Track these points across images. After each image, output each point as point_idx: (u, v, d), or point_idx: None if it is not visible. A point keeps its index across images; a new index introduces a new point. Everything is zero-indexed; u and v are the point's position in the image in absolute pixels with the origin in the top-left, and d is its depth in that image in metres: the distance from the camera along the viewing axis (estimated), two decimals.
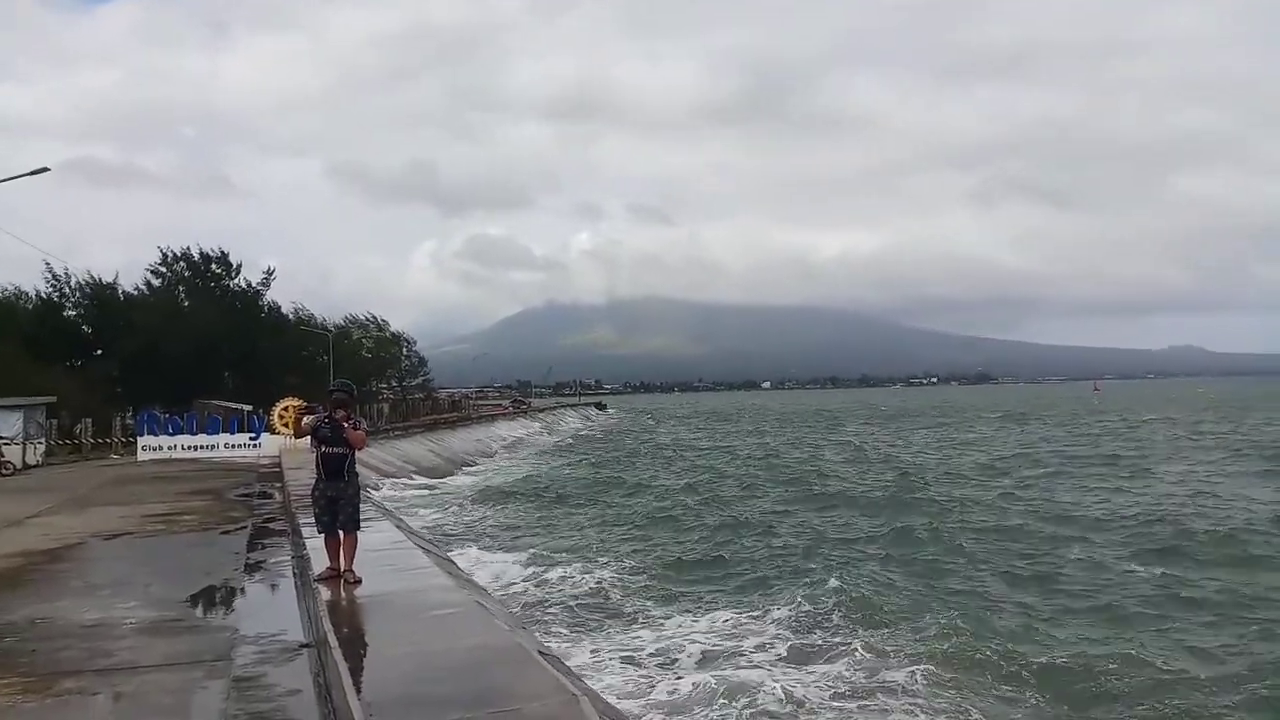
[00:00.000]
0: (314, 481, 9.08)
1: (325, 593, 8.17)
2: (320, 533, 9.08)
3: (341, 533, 8.90)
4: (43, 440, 32.56)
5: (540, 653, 6.16)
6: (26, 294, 51.46)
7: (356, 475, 9.18)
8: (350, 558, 8.87)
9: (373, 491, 23.96)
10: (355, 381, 8.80)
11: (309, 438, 9.05)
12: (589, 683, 8.90)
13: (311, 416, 9.15)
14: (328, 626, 6.76)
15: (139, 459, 32.58)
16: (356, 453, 9.08)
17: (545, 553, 21.15)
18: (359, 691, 4.99)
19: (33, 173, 25.10)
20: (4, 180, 25.27)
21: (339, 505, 8.87)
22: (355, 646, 6.42)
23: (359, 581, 8.73)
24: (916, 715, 10.77)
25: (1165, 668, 12.36)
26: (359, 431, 9.03)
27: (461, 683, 5.30)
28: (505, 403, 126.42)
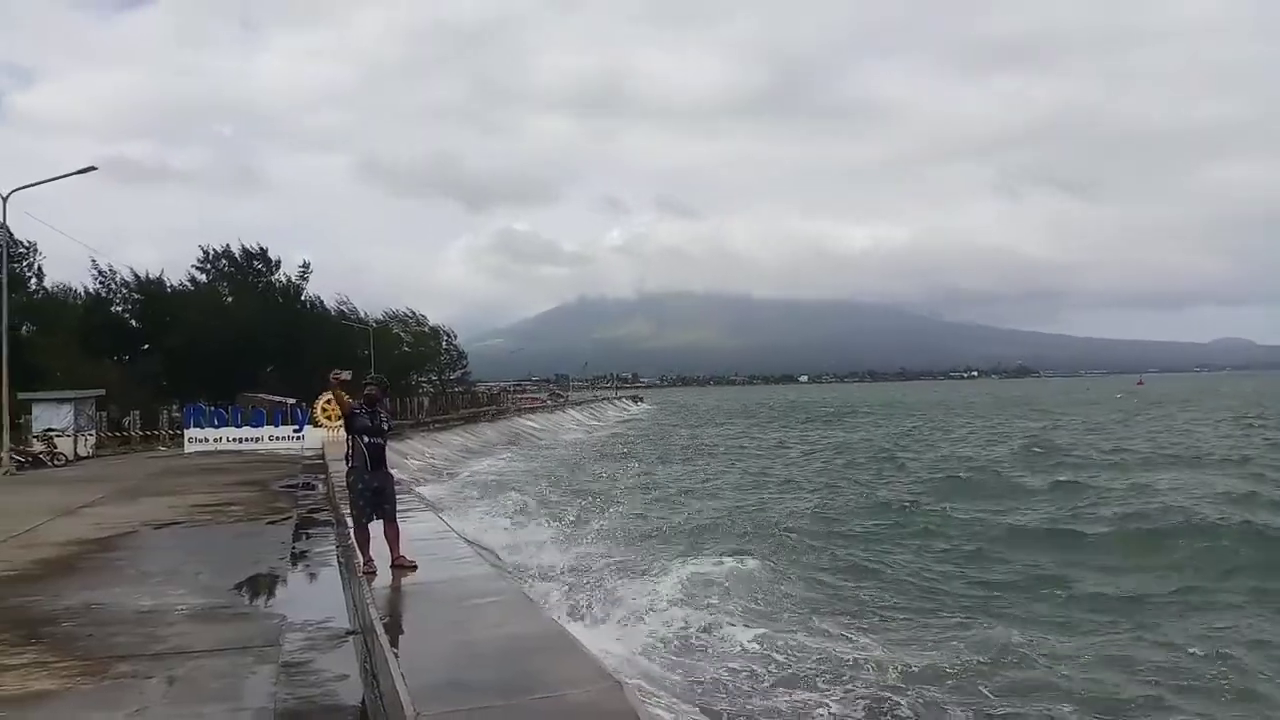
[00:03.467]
0: (352, 472, 8.94)
1: (370, 580, 8.29)
2: (362, 524, 8.93)
3: (382, 522, 8.92)
4: (93, 432, 33.32)
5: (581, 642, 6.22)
6: (75, 290, 52.66)
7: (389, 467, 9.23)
8: (397, 545, 8.94)
9: (410, 483, 24.24)
10: (395, 375, 8.81)
11: (345, 429, 9.03)
12: None
13: (349, 400, 9.04)
14: (373, 614, 6.89)
15: (186, 451, 33.25)
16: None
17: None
18: (404, 677, 5.09)
19: (81, 171, 25.73)
20: (55, 179, 25.86)
21: (384, 496, 8.91)
22: (400, 633, 6.53)
23: (415, 566, 8.81)
24: None
25: None
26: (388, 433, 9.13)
27: (504, 669, 5.39)
28: (543, 396, 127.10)
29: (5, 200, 25.24)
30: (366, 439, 8.84)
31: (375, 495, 8.85)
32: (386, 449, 9.03)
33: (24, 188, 25.76)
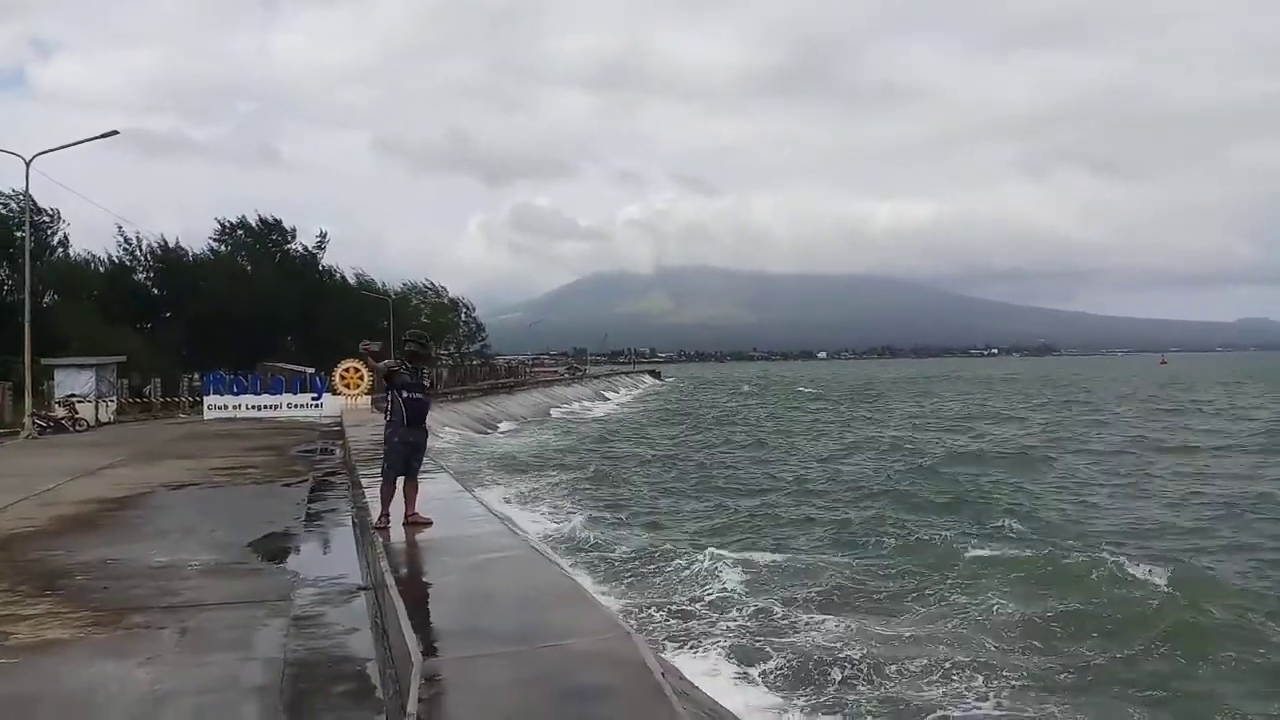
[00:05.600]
0: (390, 427, 8.93)
1: (383, 537, 8.27)
2: (391, 478, 8.98)
3: (404, 480, 8.96)
4: (114, 398, 33.60)
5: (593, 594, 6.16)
6: (98, 258, 53.02)
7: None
8: (414, 502, 8.96)
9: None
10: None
11: (370, 397, 9.09)
12: None
13: (387, 361, 9.10)
14: (385, 567, 6.86)
15: (205, 418, 33.51)
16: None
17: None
18: (412, 625, 5.04)
19: (103, 135, 25.75)
20: (78, 143, 25.93)
21: (418, 452, 8.94)
22: (412, 586, 6.52)
23: (429, 522, 8.81)
24: None
25: None
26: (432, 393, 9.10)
27: (516, 619, 5.35)
28: (560, 369, 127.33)
29: (29, 164, 25.33)
30: (406, 394, 8.81)
31: (411, 450, 8.89)
32: (429, 407, 8.98)
33: (46, 151, 25.84)
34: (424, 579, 6.81)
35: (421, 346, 9.07)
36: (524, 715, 3.92)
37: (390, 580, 6.33)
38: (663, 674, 4.26)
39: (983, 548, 15.68)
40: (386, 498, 8.96)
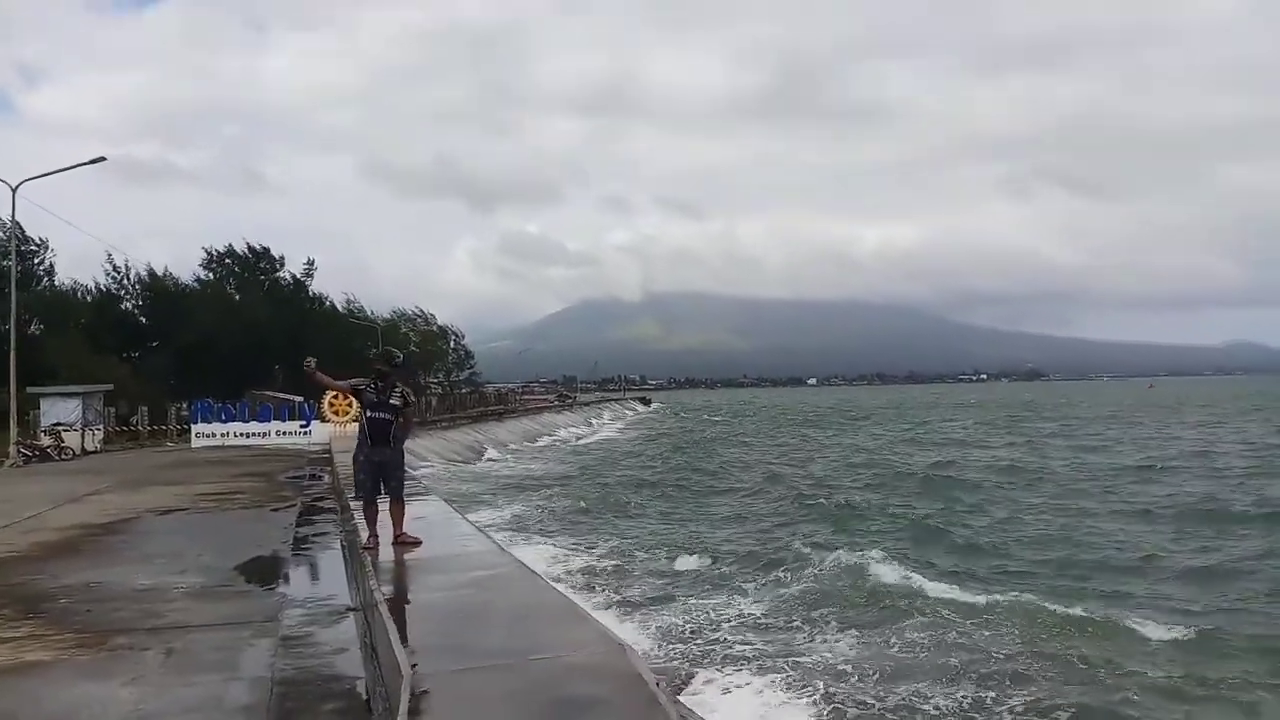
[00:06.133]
0: (357, 446, 8.91)
1: (371, 557, 8.16)
2: (359, 499, 8.98)
3: (390, 500, 8.86)
4: (100, 427, 33.30)
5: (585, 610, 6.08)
6: (85, 287, 52.75)
7: (403, 445, 9.11)
8: (401, 523, 8.84)
9: (416, 470, 24.12)
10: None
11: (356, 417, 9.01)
12: None
13: (354, 380, 9.09)
14: (374, 585, 6.76)
15: (193, 445, 33.24)
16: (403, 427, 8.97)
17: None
18: (403, 640, 4.96)
19: (91, 161, 25.74)
20: (65, 169, 25.91)
21: (385, 471, 8.77)
22: (401, 603, 6.41)
23: (418, 542, 8.69)
24: None
25: None
26: (408, 411, 8.97)
27: (508, 634, 5.26)
28: (550, 397, 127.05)
29: (15, 191, 25.26)
30: (369, 413, 8.74)
31: (376, 469, 8.77)
32: (395, 425, 8.82)
33: (33, 178, 25.79)
34: (413, 596, 6.70)
35: (390, 365, 8.99)
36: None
37: (379, 597, 6.23)
38: (658, 683, 4.19)
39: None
40: (369, 519, 8.86)
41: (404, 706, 3.85)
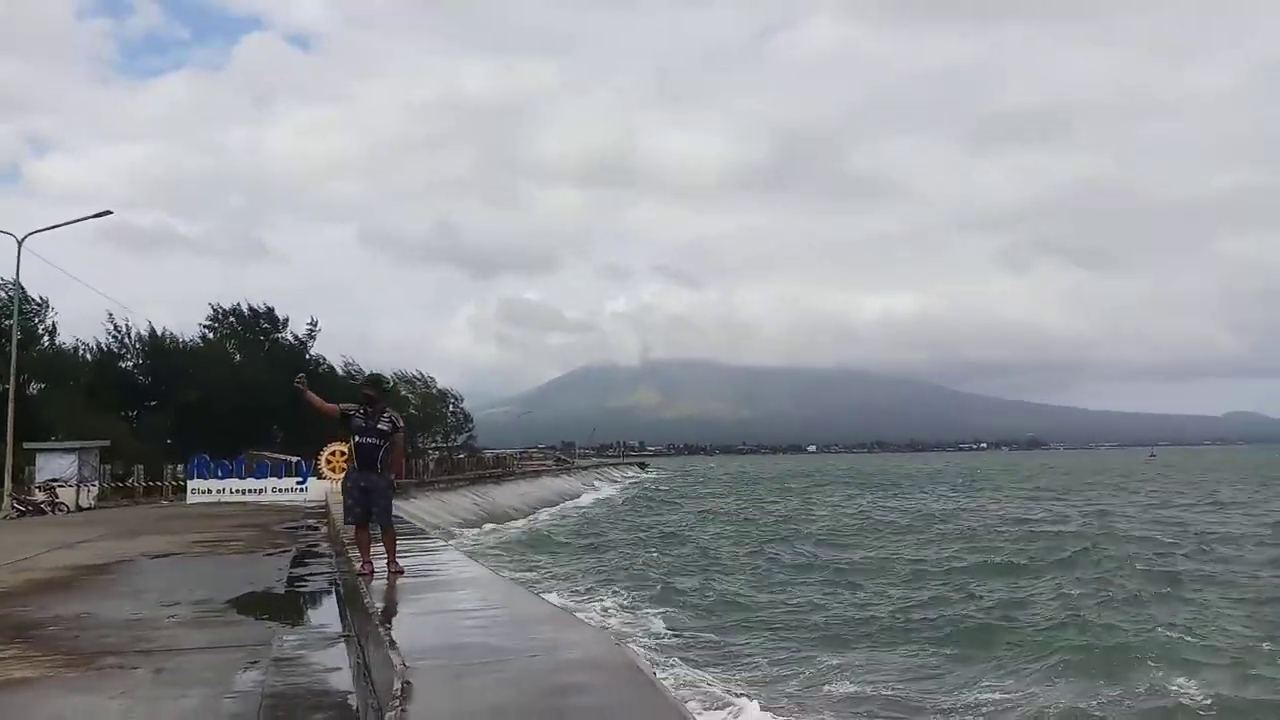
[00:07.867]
0: (347, 471, 9.03)
1: (365, 581, 8.09)
2: (350, 523, 8.98)
3: (380, 529, 8.81)
4: (96, 483, 33.08)
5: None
6: (87, 345, 52.91)
7: (390, 471, 9.00)
8: (393, 553, 8.78)
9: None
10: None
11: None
12: None
13: (344, 404, 9.12)
14: (367, 602, 6.70)
15: (189, 501, 33.02)
16: (394, 449, 8.92)
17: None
18: (396, 640, 4.90)
19: (96, 215, 26.12)
20: (71, 222, 26.28)
21: (372, 496, 8.71)
22: (394, 613, 6.36)
23: (402, 571, 8.62)
24: None
25: None
26: (398, 437, 8.94)
27: (503, 635, 5.20)
28: (549, 461, 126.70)
29: (21, 243, 25.56)
30: (357, 438, 8.76)
31: (363, 494, 8.73)
32: (383, 450, 8.80)
33: (39, 231, 26.11)
34: (408, 610, 6.65)
35: (379, 391, 9.04)
36: (514, 707, 3.77)
37: (372, 609, 6.17)
38: (654, 670, 4.13)
39: None
40: (362, 545, 8.85)
41: (396, 685, 3.79)
